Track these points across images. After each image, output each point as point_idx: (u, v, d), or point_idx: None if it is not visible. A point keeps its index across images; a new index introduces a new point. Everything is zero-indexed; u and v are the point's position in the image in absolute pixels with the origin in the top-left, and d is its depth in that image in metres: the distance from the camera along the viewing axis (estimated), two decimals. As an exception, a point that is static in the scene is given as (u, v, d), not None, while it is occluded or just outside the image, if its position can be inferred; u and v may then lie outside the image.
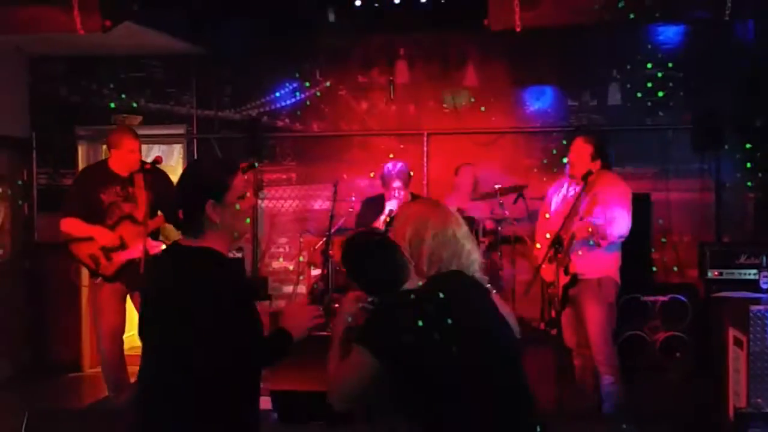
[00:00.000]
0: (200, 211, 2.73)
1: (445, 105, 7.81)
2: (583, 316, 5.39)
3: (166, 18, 6.81)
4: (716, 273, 6.42)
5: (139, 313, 2.90)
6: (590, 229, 5.15)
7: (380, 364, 2.56)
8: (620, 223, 5.28)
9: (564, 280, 5.22)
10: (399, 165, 5.90)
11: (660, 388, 6.19)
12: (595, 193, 5.30)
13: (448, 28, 7.44)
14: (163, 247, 3.03)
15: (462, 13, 6.77)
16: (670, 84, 7.35)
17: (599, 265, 5.32)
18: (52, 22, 5.99)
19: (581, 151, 5.48)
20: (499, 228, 6.82)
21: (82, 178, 6.01)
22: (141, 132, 8.22)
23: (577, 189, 5.38)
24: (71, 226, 5.67)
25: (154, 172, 5.74)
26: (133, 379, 5.42)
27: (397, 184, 5.82)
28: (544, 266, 5.28)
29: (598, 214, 5.24)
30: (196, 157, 8.07)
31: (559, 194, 5.64)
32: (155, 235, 5.71)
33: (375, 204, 5.90)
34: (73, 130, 8.27)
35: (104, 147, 8.54)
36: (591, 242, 5.21)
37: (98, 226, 5.61)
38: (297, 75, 7.94)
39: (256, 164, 6.00)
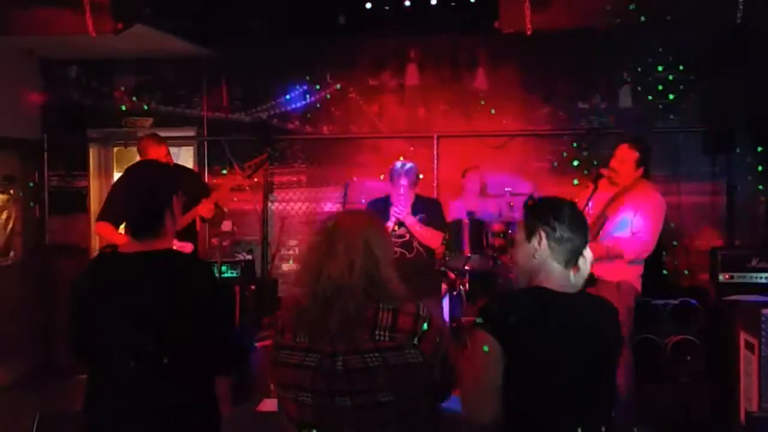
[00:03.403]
0: (169, 206, 2.83)
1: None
2: None
3: (177, 21, 6.83)
4: (727, 276, 6.40)
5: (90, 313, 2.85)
6: (607, 251, 5.12)
7: (499, 344, 2.51)
8: (641, 239, 5.21)
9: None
10: (408, 165, 5.88)
11: (671, 391, 6.17)
12: (626, 205, 5.25)
13: (458, 30, 7.45)
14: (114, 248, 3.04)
15: (472, 16, 6.77)
16: (681, 87, 7.33)
17: (620, 269, 5.28)
18: (63, 23, 6.02)
19: (626, 158, 5.35)
20: (510, 230, 6.80)
21: (115, 184, 6.03)
22: (152, 134, 8.34)
23: (610, 194, 5.33)
24: (102, 230, 5.71)
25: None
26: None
27: (404, 182, 5.79)
28: None
29: (621, 224, 5.20)
30: (206, 159, 8.10)
31: (593, 197, 5.55)
32: (182, 235, 5.69)
33: (380, 206, 5.86)
34: (85, 133, 8.31)
35: (115, 150, 8.67)
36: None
37: (123, 234, 5.59)
38: (307, 78, 7.96)
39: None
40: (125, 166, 9.39)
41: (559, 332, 2.57)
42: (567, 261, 2.66)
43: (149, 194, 2.83)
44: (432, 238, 5.72)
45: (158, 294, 2.72)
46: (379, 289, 2.56)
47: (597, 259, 5.03)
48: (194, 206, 5.64)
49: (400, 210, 5.61)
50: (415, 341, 2.52)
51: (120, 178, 5.85)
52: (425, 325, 2.54)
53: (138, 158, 5.93)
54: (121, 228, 5.71)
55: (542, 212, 2.69)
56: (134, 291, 2.74)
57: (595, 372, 2.64)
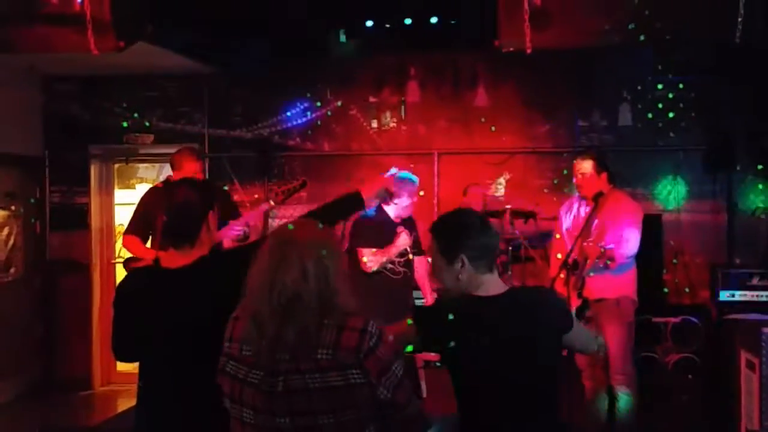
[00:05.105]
0: (204, 221, 3.08)
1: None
2: (602, 336, 5.36)
3: (179, 38, 6.86)
4: (728, 295, 6.41)
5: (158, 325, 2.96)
6: (600, 252, 5.13)
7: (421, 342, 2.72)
8: (629, 243, 5.27)
9: (576, 302, 5.21)
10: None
11: (672, 410, 6.16)
12: (604, 215, 5.29)
13: (458, 48, 7.47)
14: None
15: (473, 34, 6.80)
16: (681, 105, 7.34)
17: (617, 285, 5.31)
18: (65, 42, 6.02)
19: (583, 169, 5.47)
20: (510, 248, 6.81)
21: (145, 198, 5.97)
22: (152, 151, 8.37)
23: (588, 209, 5.37)
24: (129, 244, 5.69)
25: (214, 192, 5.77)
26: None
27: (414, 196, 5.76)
28: (556, 283, 5.27)
29: (609, 238, 5.22)
30: (207, 176, 8.09)
31: (570, 214, 5.64)
32: None
33: (380, 223, 5.74)
34: (86, 149, 8.32)
35: (116, 166, 8.68)
36: (600, 265, 5.19)
37: (148, 248, 5.60)
38: (308, 95, 7.97)
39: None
40: (126, 182, 9.41)
41: (483, 336, 2.65)
42: (490, 265, 2.79)
43: (187, 208, 3.08)
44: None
45: (203, 301, 2.88)
46: (327, 301, 2.47)
47: (594, 259, 5.10)
48: (222, 226, 5.60)
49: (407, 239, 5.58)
50: (360, 359, 2.43)
51: (145, 195, 5.88)
52: (372, 342, 2.45)
53: (171, 170, 5.91)
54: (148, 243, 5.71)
55: (455, 236, 2.79)
56: (180, 305, 2.92)
57: (533, 367, 2.71)
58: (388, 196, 5.50)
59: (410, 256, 5.64)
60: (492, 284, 2.79)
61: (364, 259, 5.44)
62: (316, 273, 2.46)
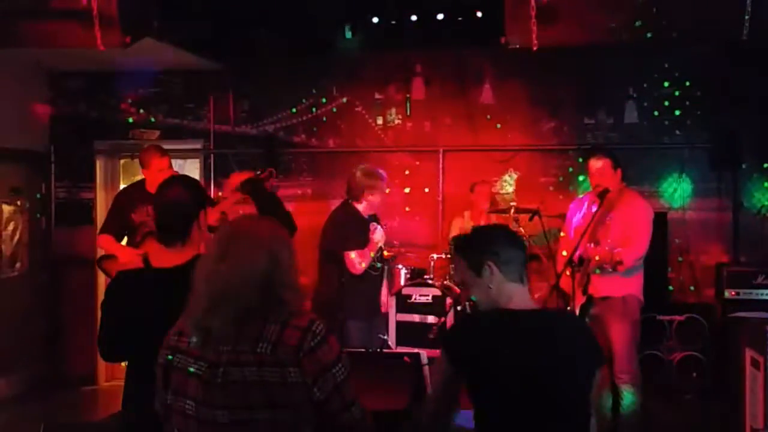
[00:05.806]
0: (195, 219, 3.04)
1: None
2: (608, 335, 5.36)
3: (184, 34, 6.86)
4: (733, 293, 6.41)
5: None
6: (611, 257, 5.12)
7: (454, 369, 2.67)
8: (638, 246, 5.25)
9: (581, 299, 5.21)
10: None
11: (676, 408, 6.16)
12: (616, 216, 5.27)
13: (465, 45, 7.45)
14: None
15: (479, 31, 6.79)
16: (687, 103, 7.33)
17: (623, 283, 5.30)
18: (72, 37, 6.04)
19: (601, 169, 5.43)
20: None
21: (119, 197, 6.05)
22: (158, 147, 8.36)
23: (596, 207, 5.36)
24: (104, 242, 5.76)
25: None
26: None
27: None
28: (562, 280, 5.27)
29: (619, 240, 5.21)
30: (212, 172, 8.10)
31: (580, 213, 5.61)
32: None
33: (355, 222, 5.71)
34: (92, 145, 8.33)
35: (121, 162, 8.69)
36: (609, 269, 5.19)
37: (122, 246, 5.68)
38: (314, 91, 7.98)
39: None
40: (132, 178, 9.50)
41: (517, 352, 2.63)
42: (521, 276, 2.78)
43: (178, 206, 3.04)
44: None
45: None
46: (271, 298, 2.44)
47: (602, 263, 5.10)
48: None
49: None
50: (299, 357, 2.39)
51: (119, 195, 5.90)
52: (314, 342, 2.41)
53: (140, 168, 5.98)
54: (123, 241, 5.77)
55: (482, 246, 2.81)
56: (179, 305, 2.78)
57: (564, 386, 2.68)
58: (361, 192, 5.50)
59: (385, 253, 5.64)
60: (523, 297, 2.77)
61: (354, 260, 5.40)
62: (255, 272, 2.44)
